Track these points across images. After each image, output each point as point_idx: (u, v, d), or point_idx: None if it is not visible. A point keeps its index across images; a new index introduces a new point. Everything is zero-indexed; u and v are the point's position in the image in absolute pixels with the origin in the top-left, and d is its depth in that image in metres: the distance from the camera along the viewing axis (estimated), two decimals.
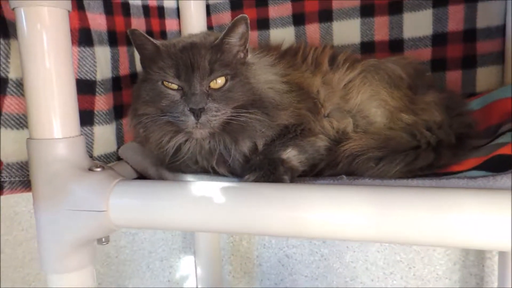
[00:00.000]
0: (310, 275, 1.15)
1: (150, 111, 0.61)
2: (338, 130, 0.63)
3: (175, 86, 0.59)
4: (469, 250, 1.02)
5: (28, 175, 0.61)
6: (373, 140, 0.58)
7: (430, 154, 0.58)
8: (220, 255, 1.14)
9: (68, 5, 0.52)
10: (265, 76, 0.63)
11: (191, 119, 0.56)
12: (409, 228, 0.40)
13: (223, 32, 0.59)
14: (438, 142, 0.59)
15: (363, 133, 0.62)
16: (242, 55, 0.62)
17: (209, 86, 0.58)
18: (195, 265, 1.21)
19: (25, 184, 0.61)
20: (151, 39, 0.60)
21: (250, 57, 0.63)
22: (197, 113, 0.56)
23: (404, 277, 1.07)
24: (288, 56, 0.69)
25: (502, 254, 0.91)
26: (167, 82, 0.59)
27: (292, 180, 0.56)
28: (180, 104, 0.57)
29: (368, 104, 0.64)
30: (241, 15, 0.58)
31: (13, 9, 0.50)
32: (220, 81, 0.58)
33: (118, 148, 0.75)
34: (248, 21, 0.59)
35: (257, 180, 0.54)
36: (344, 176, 0.54)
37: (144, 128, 0.62)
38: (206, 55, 0.58)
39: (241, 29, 0.59)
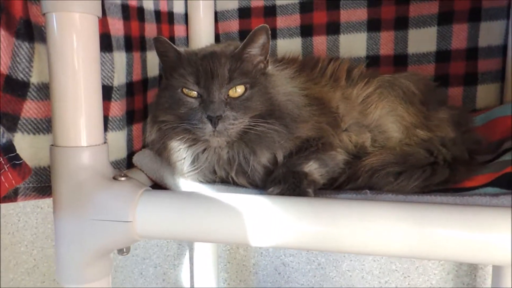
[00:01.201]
0: (306, 284, 1.16)
1: (169, 118, 0.62)
2: (356, 145, 0.64)
3: (194, 94, 0.59)
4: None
5: (42, 181, 0.60)
6: (392, 155, 0.60)
7: (446, 170, 0.60)
8: (217, 263, 1.13)
9: (99, 11, 0.51)
10: (284, 88, 0.63)
11: (209, 126, 0.56)
12: (446, 245, 0.41)
13: (244, 42, 0.60)
14: (453, 158, 0.61)
15: (381, 148, 0.63)
16: (262, 65, 0.63)
17: (228, 95, 0.58)
18: (191, 271, 1.20)
19: (40, 190, 0.60)
20: (175, 46, 0.61)
21: (270, 69, 0.64)
22: (214, 120, 0.56)
23: (399, 286, 1.09)
24: (307, 69, 0.70)
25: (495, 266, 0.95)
26: (186, 90, 0.59)
27: (314, 194, 0.56)
28: (198, 112, 0.58)
29: (386, 119, 0.65)
30: (262, 24, 0.59)
31: (44, 14, 0.49)
32: (240, 89, 0.59)
33: (129, 154, 0.74)
34: (269, 31, 0.60)
35: (282, 193, 0.54)
36: (368, 191, 0.55)
37: (163, 135, 0.62)
38: (226, 64, 0.59)
39: (262, 39, 0.60)
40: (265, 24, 0.59)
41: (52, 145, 0.52)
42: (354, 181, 0.59)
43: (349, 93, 0.67)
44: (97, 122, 0.52)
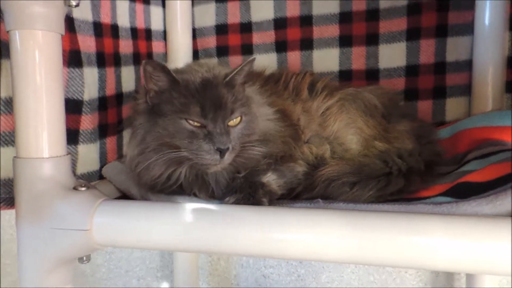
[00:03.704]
0: None
1: (162, 146, 0.59)
2: (316, 156, 0.66)
3: (198, 124, 0.58)
4: (439, 272, 1.06)
5: (10, 192, 0.62)
6: (348, 166, 0.62)
7: (400, 180, 0.61)
8: (198, 274, 1.14)
9: (62, 29, 0.54)
10: (264, 109, 0.66)
11: (216, 157, 0.56)
12: (379, 250, 0.43)
13: (235, 70, 0.60)
14: (408, 169, 0.63)
15: (340, 159, 0.65)
16: (241, 89, 0.63)
17: (228, 125, 0.59)
18: (173, 284, 1.21)
19: (8, 201, 0.62)
20: (172, 72, 0.59)
21: (247, 90, 0.65)
22: (224, 152, 0.56)
23: None
24: (270, 83, 0.72)
25: (469, 275, 0.95)
26: (191, 120, 0.58)
27: (271, 203, 0.58)
28: (205, 143, 0.57)
29: (344, 131, 0.67)
30: (253, 57, 0.61)
31: (8, 31, 0.51)
32: (237, 120, 0.60)
33: (101, 167, 0.76)
34: (254, 62, 0.62)
35: (237, 202, 0.56)
36: (320, 200, 0.57)
37: (153, 164, 0.59)
38: (228, 95, 0.59)
39: (247, 67, 0.62)
40: (254, 57, 0.61)
41: (15, 156, 0.54)
42: (311, 191, 0.61)
43: (309, 106, 0.69)
44: (59, 135, 0.55)
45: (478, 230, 0.42)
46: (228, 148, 0.57)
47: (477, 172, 0.63)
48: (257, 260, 1.18)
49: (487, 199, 0.49)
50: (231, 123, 0.59)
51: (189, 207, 0.51)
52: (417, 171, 0.64)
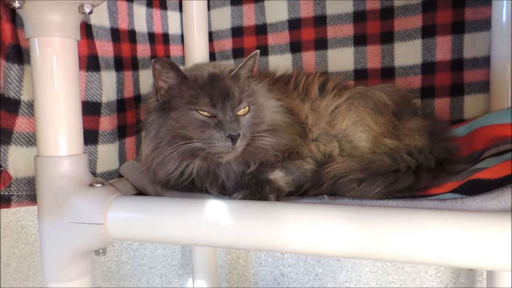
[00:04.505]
0: None
1: (175, 138, 0.61)
2: (324, 154, 0.67)
3: (208, 114, 0.61)
4: (460, 272, 1.04)
5: (34, 189, 0.66)
6: (355, 162, 0.62)
7: (409, 177, 0.61)
8: (217, 273, 1.16)
9: (78, 35, 0.57)
10: (270, 102, 0.68)
11: (228, 144, 0.59)
12: (381, 244, 0.44)
13: (240, 65, 0.64)
14: (417, 166, 0.63)
15: (348, 156, 0.66)
16: (247, 82, 0.66)
17: (237, 114, 0.62)
18: (193, 282, 1.24)
19: (32, 198, 0.66)
20: (180, 69, 0.62)
21: (253, 85, 0.68)
22: (235, 138, 0.59)
23: None
24: (280, 83, 0.74)
25: (489, 274, 0.93)
26: (201, 111, 0.61)
27: (278, 199, 0.59)
28: (216, 131, 0.60)
29: (353, 129, 0.68)
30: (255, 51, 0.64)
31: (28, 38, 0.55)
32: (245, 109, 0.63)
33: (120, 165, 0.80)
34: (258, 55, 0.65)
35: (244, 198, 0.58)
36: (326, 196, 0.58)
37: (168, 158, 0.62)
38: (235, 87, 0.63)
39: (251, 61, 0.64)
40: (257, 50, 0.64)
41: (36, 155, 0.58)
42: (318, 187, 0.62)
43: (317, 105, 0.70)
44: (76, 135, 0.58)
45: (478, 225, 0.42)
46: (239, 135, 0.59)
47: (489, 169, 0.62)
48: (276, 258, 1.19)
49: (492, 195, 0.48)
50: (239, 112, 0.62)
51: (198, 203, 0.53)
52: (427, 168, 0.63)
